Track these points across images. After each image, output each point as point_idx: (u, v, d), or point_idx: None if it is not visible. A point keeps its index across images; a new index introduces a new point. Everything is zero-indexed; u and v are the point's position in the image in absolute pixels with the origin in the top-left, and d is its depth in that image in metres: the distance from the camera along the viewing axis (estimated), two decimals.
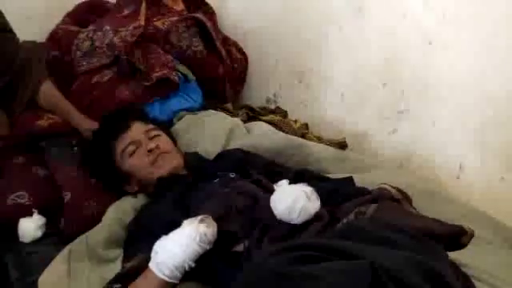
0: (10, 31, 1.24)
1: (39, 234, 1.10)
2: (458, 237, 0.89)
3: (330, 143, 1.33)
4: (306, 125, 1.48)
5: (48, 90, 1.31)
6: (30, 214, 1.11)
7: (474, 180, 1.21)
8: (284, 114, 1.59)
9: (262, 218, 0.87)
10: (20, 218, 1.11)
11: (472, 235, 0.90)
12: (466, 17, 1.16)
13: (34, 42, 1.42)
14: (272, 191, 0.91)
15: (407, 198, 0.99)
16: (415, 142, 1.33)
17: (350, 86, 1.46)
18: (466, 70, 1.18)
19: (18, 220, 1.11)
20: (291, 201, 0.85)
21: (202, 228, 0.82)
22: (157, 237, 0.85)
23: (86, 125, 1.26)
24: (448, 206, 1.14)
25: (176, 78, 1.36)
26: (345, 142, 1.34)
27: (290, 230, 0.84)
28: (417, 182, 1.22)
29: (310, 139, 1.37)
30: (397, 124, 1.36)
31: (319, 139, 1.38)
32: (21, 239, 1.10)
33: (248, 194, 0.93)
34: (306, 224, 0.85)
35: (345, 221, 0.82)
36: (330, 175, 1.16)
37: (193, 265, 0.82)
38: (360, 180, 1.10)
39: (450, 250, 0.85)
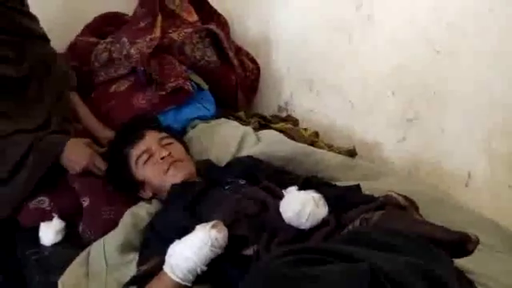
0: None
1: (59, 237, 1.15)
2: (463, 244, 0.90)
3: (340, 151, 1.35)
4: (316, 133, 1.50)
5: (72, 99, 1.38)
6: (51, 219, 1.16)
7: (482, 188, 1.22)
8: (295, 122, 1.62)
9: (271, 223, 0.90)
10: (41, 223, 1.16)
11: (477, 242, 0.91)
12: (472, 25, 1.18)
13: (63, 55, 1.50)
14: (281, 197, 0.94)
15: (414, 205, 1.01)
16: (424, 149, 1.34)
17: (359, 94, 1.48)
18: (472, 78, 1.20)
19: (39, 224, 1.16)
20: (300, 206, 0.88)
21: (214, 233, 0.85)
22: (170, 241, 0.89)
23: (104, 134, 1.32)
24: (456, 213, 1.15)
25: (190, 87, 1.41)
26: (354, 150, 1.36)
27: (298, 234, 0.87)
28: (425, 189, 1.23)
29: (320, 147, 1.39)
30: (406, 132, 1.38)
31: (329, 147, 1.40)
32: (42, 242, 1.15)
33: (258, 200, 0.96)
34: (313, 229, 0.88)
35: (350, 227, 0.84)
36: (338, 183, 1.18)
37: (205, 268, 0.85)
38: (369, 188, 1.12)
39: (455, 257, 0.87)
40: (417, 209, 1.01)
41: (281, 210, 0.90)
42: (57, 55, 1.38)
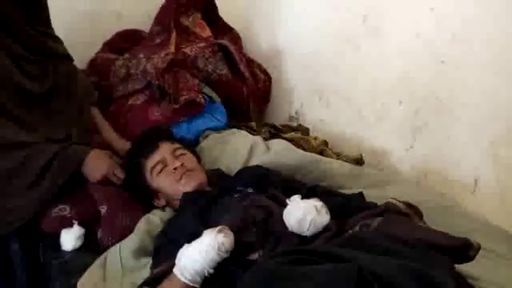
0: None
1: (79, 243, 1.21)
2: (464, 250, 0.92)
3: (347, 159, 1.38)
4: (326, 142, 1.53)
5: (93, 113, 1.46)
6: (71, 226, 1.22)
7: (489, 194, 1.23)
8: (305, 131, 1.65)
9: (276, 230, 0.94)
10: (62, 229, 1.23)
11: (479, 249, 0.92)
12: (476, 36, 1.20)
13: (84, 72, 1.59)
14: (285, 205, 0.98)
15: (417, 212, 1.03)
16: (431, 157, 1.36)
17: (368, 103, 1.51)
18: (477, 86, 1.22)
19: (60, 230, 1.23)
20: (302, 214, 0.91)
21: (220, 238, 0.89)
22: (181, 246, 0.94)
23: (121, 145, 1.40)
24: (463, 220, 1.17)
25: (202, 100, 1.47)
26: (361, 158, 1.39)
27: (301, 240, 0.91)
28: (432, 197, 1.25)
29: (329, 156, 1.42)
30: (413, 140, 1.40)
31: (337, 156, 1.43)
32: (63, 248, 1.21)
33: (263, 207, 1.00)
34: (316, 236, 0.91)
35: (350, 232, 0.87)
36: (346, 191, 1.21)
37: (212, 271, 0.90)
38: (376, 195, 1.13)
39: (457, 263, 0.89)
40: (420, 216, 1.03)
41: (284, 218, 0.94)
42: (79, 73, 1.47)
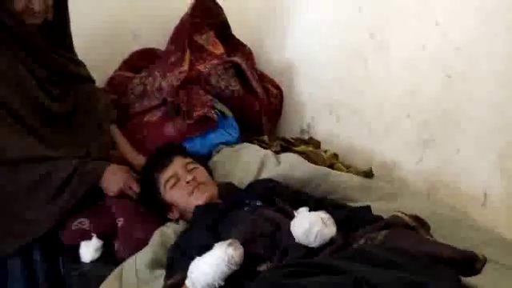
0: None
1: (97, 254, 1.27)
2: (471, 263, 0.93)
3: (357, 172, 1.40)
4: (336, 155, 1.56)
5: (112, 131, 1.53)
6: (90, 238, 1.28)
7: (499, 207, 1.23)
8: (317, 144, 1.68)
9: (283, 242, 0.97)
10: (81, 242, 1.28)
11: (485, 261, 0.93)
12: (481, 49, 1.21)
13: (103, 89, 1.66)
14: (292, 217, 1.01)
15: (424, 225, 1.04)
16: (441, 170, 1.37)
17: (376, 117, 1.53)
18: (483, 99, 1.23)
19: (80, 243, 1.28)
20: (308, 225, 0.94)
21: (230, 251, 0.92)
22: (193, 258, 0.97)
23: (138, 160, 1.45)
24: (473, 233, 1.17)
25: (214, 115, 1.52)
26: (371, 171, 1.41)
27: (307, 252, 0.93)
28: (442, 209, 1.25)
29: (339, 169, 1.44)
30: (422, 153, 1.41)
31: (347, 168, 1.45)
32: (82, 259, 1.27)
33: (271, 220, 1.03)
34: (322, 248, 0.94)
35: (355, 245, 0.90)
36: (355, 204, 1.23)
37: (222, 283, 0.93)
38: (386, 208, 1.15)
39: (464, 276, 0.90)
40: (427, 229, 1.04)
41: (291, 229, 0.97)
42: (100, 93, 1.54)
